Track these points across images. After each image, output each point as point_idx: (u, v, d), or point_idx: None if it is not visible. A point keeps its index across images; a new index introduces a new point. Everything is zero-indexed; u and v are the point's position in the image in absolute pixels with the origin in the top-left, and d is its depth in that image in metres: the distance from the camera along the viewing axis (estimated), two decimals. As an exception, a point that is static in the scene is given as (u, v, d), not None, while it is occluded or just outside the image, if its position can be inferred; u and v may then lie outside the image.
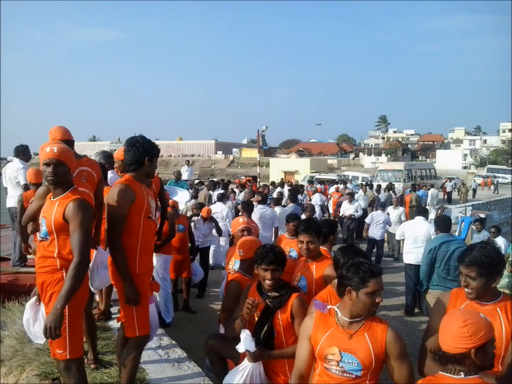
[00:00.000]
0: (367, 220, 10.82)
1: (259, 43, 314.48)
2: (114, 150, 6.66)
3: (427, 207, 15.32)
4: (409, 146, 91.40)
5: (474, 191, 30.71)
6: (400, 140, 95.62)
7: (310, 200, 14.16)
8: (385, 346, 2.33)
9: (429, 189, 19.24)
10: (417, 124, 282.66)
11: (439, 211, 12.74)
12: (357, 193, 14.98)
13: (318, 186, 18.92)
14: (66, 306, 2.65)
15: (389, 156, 70.01)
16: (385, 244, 11.41)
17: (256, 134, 35.37)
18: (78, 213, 2.74)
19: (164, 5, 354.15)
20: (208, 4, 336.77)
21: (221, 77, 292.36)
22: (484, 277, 2.39)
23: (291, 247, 4.54)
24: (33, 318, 3.18)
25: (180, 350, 4.17)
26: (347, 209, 12.48)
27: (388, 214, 11.24)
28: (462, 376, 1.94)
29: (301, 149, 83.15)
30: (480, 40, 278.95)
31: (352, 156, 79.00)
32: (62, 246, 2.82)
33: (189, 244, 6.78)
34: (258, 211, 7.75)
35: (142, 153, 3.14)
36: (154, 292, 3.87)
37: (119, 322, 3.30)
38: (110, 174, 4.62)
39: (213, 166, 65.25)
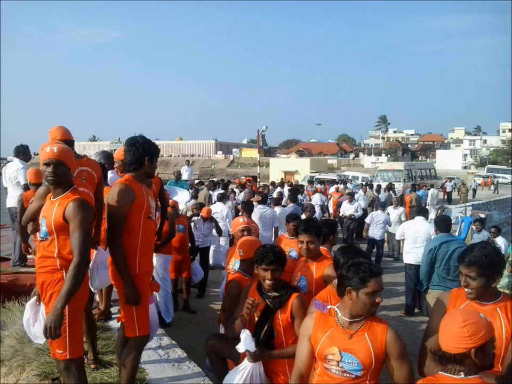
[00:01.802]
0: (367, 220, 10.82)
1: (259, 43, 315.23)
2: (114, 150, 6.66)
3: (427, 207, 15.33)
4: (409, 146, 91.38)
5: (474, 191, 30.71)
6: (400, 139, 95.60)
7: (310, 200, 14.15)
8: (385, 346, 2.33)
9: (429, 189, 19.24)
10: (417, 124, 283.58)
11: (439, 211, 12.74)
12: (357, 193, 14.98)
13: (318, 186, 18.91)
14: (66, 306, 2.65)
15: (389, 156, 69.96)
16: (385, 244, 11.41)
17: (256, 134, 35.42)
18: (78, 213, 2.74)
19: (164, 5, 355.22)
20: (208, 3, 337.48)
21: (221, 77, 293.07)
22: (484, 277, 2.38)
23: (291, 247, 4.54)
24: (33, 318, 3.18)
25: (180, 350, 4.17)
26: (347, 209, 12.48)
27: (388, 214, 11.23)
28: (462, 376, 1.94)
29: (301, 149, 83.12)
30: (480, 40, 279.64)
31: (352, 156, 78.93)
32: (62, 246, 2.82)
33: (189, 244, 6.78)
34: (258, 211, 7.75)
35: (142, 153, 3.14)
36: (154, 292, 3.87)
37: (119, 322, 3.30)
38: (110, 174, 4.62)
39: (213, 166, 65.23)
